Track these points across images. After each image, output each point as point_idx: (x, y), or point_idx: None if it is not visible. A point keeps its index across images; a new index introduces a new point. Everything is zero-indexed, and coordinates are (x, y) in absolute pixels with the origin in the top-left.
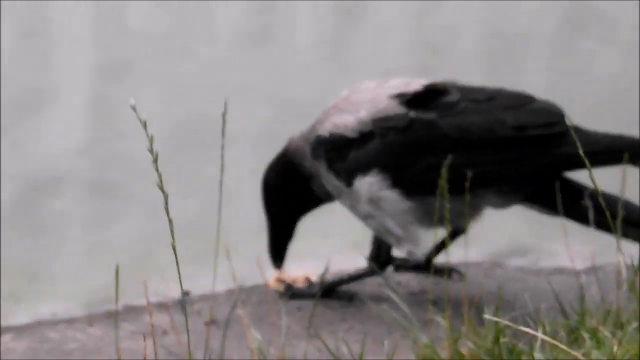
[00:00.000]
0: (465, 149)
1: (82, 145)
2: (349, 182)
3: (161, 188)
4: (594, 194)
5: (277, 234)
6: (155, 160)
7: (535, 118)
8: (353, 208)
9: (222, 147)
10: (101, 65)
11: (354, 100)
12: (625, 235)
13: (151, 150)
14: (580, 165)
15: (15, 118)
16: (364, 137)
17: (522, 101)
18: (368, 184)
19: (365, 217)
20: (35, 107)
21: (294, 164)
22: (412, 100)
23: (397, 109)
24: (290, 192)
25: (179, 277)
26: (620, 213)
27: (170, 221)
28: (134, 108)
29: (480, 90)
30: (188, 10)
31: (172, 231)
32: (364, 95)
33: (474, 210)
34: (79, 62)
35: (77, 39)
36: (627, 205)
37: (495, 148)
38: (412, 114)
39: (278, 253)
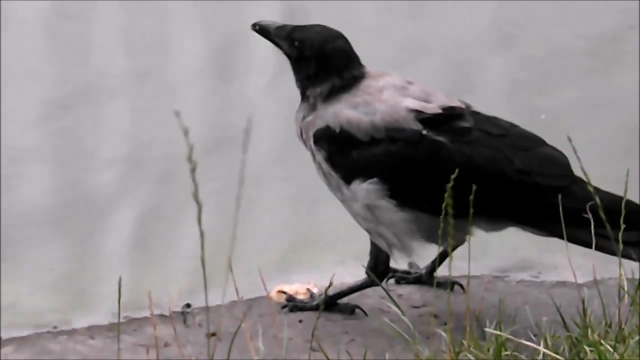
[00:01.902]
0: (468, 177)
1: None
2: (346, 179)
3: (196, 199)
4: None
5: None
6: (193, 170)
7: (541, 166)
8: (344, 202)
9: (242, 162)
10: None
11: (372, 99)
12: (626, 255)
13: (190, 159)
14: (577, 219)
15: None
16: (373, 142)
17: (532, 144)
18: (366, 190)
19: (356, 215)
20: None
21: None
22: (428, 118)
23: (411, 123)
24: None
25: (205, 289)
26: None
27: (202, 233)
28: (177, 113)
29: (494, 123)
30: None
31: (202, 244)
32: (386, 95)
33: (462, 233)
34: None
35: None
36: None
37: (498, 185)
38: (425, 131)
39: None
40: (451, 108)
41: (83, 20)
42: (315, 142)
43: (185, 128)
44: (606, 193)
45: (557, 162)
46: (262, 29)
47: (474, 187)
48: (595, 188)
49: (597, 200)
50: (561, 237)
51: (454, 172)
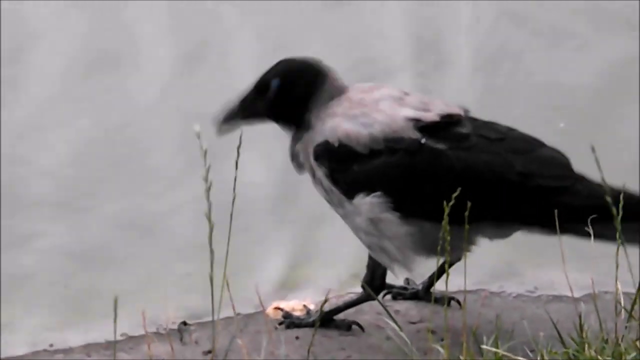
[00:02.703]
0: (469, 183)
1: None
2: (347, 194)
3: (209, 218)
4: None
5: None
6: (208, 190)
7: (542, 168)
8: (346, 218)
9: (235, 179)
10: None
11: (369, 110)
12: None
13: (206, 179)
14: (581, 218)
15: None
16: (373, 154)
17: (531, 146)
18: (369, 204)
19: (358, 230)
20: None
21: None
22: (426, 126)
23: (410, 132)
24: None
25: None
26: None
27: (211, 252)
28: (198, 135)
29: (492, 128)
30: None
31: (212, 263)
32: (382, 106)
33: (469, 243)
34: None
35: None
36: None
37: (499, 189)
38: (423, 140)
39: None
40: (449, 115)
41: None
42: (316, 158)
43: (204, 149)
44: (612, 189)
45: (558, 163)
46: (226, 122)
47: (472, 195)
48: (603, 184)
49: (607, 192)
50: (567, 234)
51: (454, 179)
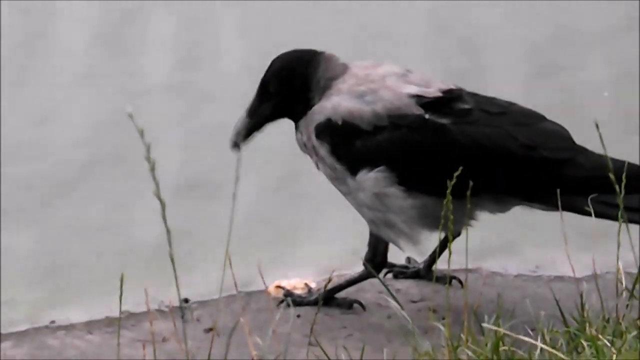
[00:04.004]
0: (472, 157)
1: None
2: (351, 170)
3: (158, 196)
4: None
5: (256, 122)
6: (152, 169)
7: (546, 140)
8: (349, 194)
9: (238, 160)
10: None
11: (377, 87)
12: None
13: (148, 159)
14: (585, 189)
15: None
16: (377, 130)
17: (533, 119)
18: (374, 179)
19: (361, 206)
20: None
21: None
22: (429, 102)
23: (413, 108)
24: (295, 93)
25: (177, 286)
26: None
27: (168, 231)
28: (131, 116)
29: (493, 103)
30: None
31: (169, 241)
32: (385, 83)
33: (471, 217)
34: None
35: None
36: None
37: (503, 162)
38: (427, 115)
39: (245, 136)
40: (450, 91)
41: None
42: (317, 135)
43: (140, 129)
44: (615, 160)
45: (560, 135)
46: (239, 140)
47: (476, 168)
48: (604, 155)
49: (609, 164)
50: (568, 210)
51: (458, 153)
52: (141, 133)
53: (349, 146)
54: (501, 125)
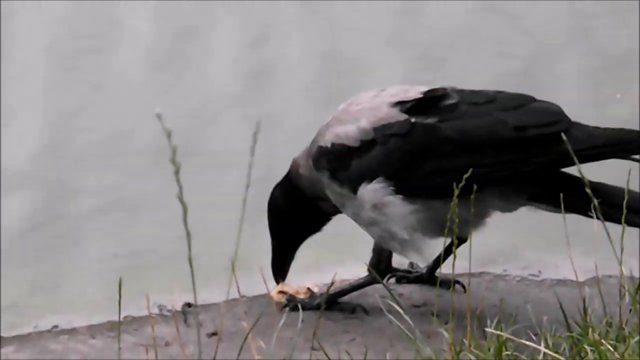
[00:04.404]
0: (467, 151)
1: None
2: (354, 190)
3: (181, 200)
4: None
5: (281, 253)
6: (177, 172)
7: (536, 118)
8: (356, 216)
9: (250, 165)
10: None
11: (353, 111)
12: (632, 223)
13: (174, 161)
14: (582, 160)
15: None
16: (366, 145)
17: (522, 102)
18: (372, 190)
19: (368, 224)
20: None
21: (297, 185)
22: (413, 107)
23: (397, 116)
24: (295, 212)
25: (194, 291)
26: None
27: (188, 234)
28: (159, 116)
29: (479, 94)
30: None
31: (189, 244)
32: (363, 105)
33: (479, 217)
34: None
35: None
36: (631, 194)
37: (498, 149)
38: (413, 119)
39: (280, 270)
40: (432, 90)
41: None
42: (316, 166)
43: (167, 130)
44: (605, 129)
45: (551, 111)
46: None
47: (473, 161)
48: (595, 127)
49: (600, 134)
50: (574, 212)
51: (451, 150)
52: (168, 135)
53: (345, 166)
54: (490, 113)
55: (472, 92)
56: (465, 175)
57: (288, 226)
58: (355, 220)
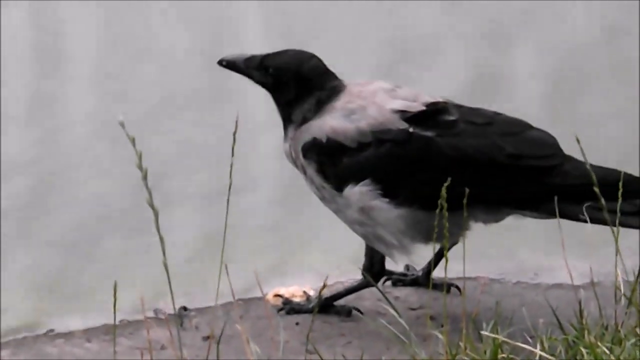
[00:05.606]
0: (459, 168)
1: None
2: (339, 188)
3: (151, 205)
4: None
5: None
6: (145, 177)
7: (532, 148)
8: (339, 212)
9: (231, 165)
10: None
11: (359, 104)
12: (624, 223)
13: (140, 167)
14: (572, 196)
15: None
16: (362, 147)
17: (519, 128)
18: (359, 193)
19: (352, 223)
20: None
21: None
22: (413, 116)
23: (397, 123)
24: None
25: (171, 295)
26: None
27: (161, 239)
28: (122, 124)
29: (478, 113)
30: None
31: (163, 250)
32: (371, 103)
33: (459, 227)
34: None
35: None
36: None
37: (490, 172)
38: (412, 129)
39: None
40: (434, 104)
41: None
42: (305, 155)
43: (131, 137)
44: (600, 168)
45: (546, 143)
46: (229, 64)
47: (463, 179)
48: (590, 164)
49: (592, 174)
50: (561, 216)
51: (444, 165)
52: (132, 141)
53: (335, 164)
54: (487, 136)
55: (471, 109)
56: (446, 184)
57: None
58: (338, 216)
